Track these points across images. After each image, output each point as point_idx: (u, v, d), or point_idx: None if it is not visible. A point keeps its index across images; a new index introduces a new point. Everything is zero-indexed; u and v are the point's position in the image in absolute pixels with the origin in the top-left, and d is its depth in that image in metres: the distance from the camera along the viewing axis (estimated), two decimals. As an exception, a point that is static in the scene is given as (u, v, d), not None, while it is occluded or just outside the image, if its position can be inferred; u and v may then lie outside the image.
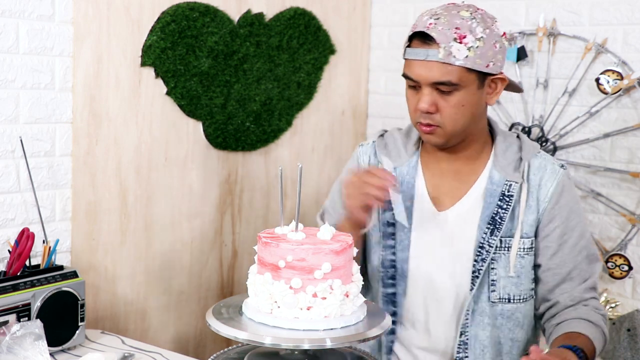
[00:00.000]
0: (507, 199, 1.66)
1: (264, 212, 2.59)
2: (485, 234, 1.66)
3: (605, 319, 1.68)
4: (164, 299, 2.34)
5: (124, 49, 2.14)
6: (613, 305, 2.54)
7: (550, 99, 2.68)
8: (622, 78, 2.49)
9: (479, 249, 1.66)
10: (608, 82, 2.50)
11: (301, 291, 1.36)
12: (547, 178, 1.68)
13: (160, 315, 2.33)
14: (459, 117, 1.61)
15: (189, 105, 2.31)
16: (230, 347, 1.59)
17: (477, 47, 1.56)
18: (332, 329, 1.36)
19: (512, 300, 1.68)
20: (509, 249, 1.67)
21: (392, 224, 1.74)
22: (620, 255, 2.50)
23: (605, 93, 2.51)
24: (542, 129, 2.66)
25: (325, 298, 1.37)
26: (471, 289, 1.67)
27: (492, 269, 1.67)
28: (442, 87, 1.58)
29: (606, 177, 2.59)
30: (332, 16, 2.72)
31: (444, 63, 1.56)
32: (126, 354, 1.82)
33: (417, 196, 1.75)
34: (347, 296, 1.40)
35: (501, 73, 1.64)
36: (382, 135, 1.86)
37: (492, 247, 1.65)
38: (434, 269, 1.71)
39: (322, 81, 2.71)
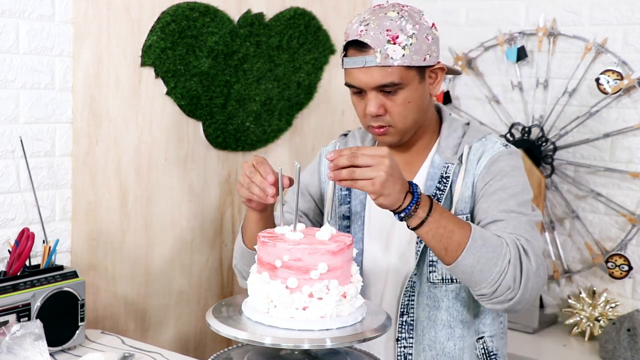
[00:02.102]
0: (445, 181, 1.69)
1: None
2: None
3: (517, 248, 1.53)
4: (164, 299, 2.34)
5: (124, 49, 2.14)
6: (613, 305, 2.54)
7: (550, 99, 2.68)
8: (622, 78, 2.49)
9: None
10: (608, 82, 2.50)
11: (297, 291, 1.36)
12: (485, 156, 1.70)
13: (160, 315, 2.33)
14: (407, 114, 1.66)
15: (189, 105, 2.31)
16: (230, 347, 1.59)
17: (411, 44, 1.60)
18: (327, 329, 1.36)
19: (454, 280, 1.70)
20: None
21: (347, 217, 1.78)
22: (620, 255, 2.50)
23: (605, 93, 2.51)
24: (542, 129, 2.66)
25: (321, 298, 1.37)
26: (415, 272, 1.69)
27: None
28: (387, 89, 1.62)
29: (606, 177, 2.59)
30: (332, 16, 2.72)
31: (383, 66, 1.60)
32: (126, 354, 1.82)
33: None
34: (345, 297, 1.40)
35: (438, 62, 1.68)
36: (345, 135, 1.92)
37: None
38: (387, 259, 1.75)
39: (322, 81, 2.71)
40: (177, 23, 2.23)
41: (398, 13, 1.61)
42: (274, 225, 1.74)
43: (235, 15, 2.40)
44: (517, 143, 2.68)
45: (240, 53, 2.42)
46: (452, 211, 1.68)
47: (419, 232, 1.49)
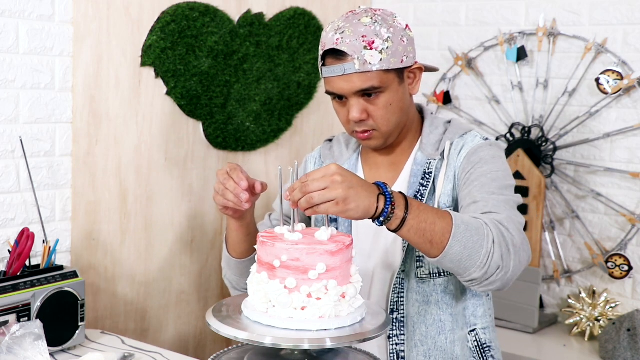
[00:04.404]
0: (427, 176, 1.71)
1: (264, 212, 2.59)
2: None
3: (497, 226, 1.50)
4: (164, 299, 2.34)
5: (124, 49, 2.14)
6: (613, 305, 2.54)
7: (550, 99, 2.68)
8: (622, 78, 2.49)
9: None
10: (608, 82, 2.50)
11: (295, 291, 1.36)
12: (465, 149, 1.71)
13: (160, 315, 2.33)
14: (390, 116, 1.67)
15: (189, 105, 2.32)
16: (230, 347, 1.59)
17: (387, 47, 1.62)
18: (325, 329, 1.36)
19: (442, 274, 1.71)
20: None
21: (335, 220, 1.79)
22: (620, 255, 2.50)
23: (605, 93, 2.51)
24: (542, 129, 2.66)
25: (319, 299, 1.37)
26: (402, 269, 1.70)
27: None
28: (368, 93, 1.64)
29: (606, 177, 2.59)
30: (332, 16, 2.72)
31: (362, 72, 1.61)
32: (126, 354, 1.82)
33: None
34: (344, 297, 1.40)
35: (416, 62, 1.70)
36: (330, 140, 1.94)
37: None
38: (374, 258, 1.75)
39: (322, 81, 2.71)
40: (177, 23, 2.23)
41: (371, 18, 1.63)
42: (256, 232, 1.75)
43: (235, 15, 2.40)
44: (517, 143, 2.68)
45: (240, 53, 2.42)
46: (436, 205, 1.68)
47: (401, 233, 1.45)
